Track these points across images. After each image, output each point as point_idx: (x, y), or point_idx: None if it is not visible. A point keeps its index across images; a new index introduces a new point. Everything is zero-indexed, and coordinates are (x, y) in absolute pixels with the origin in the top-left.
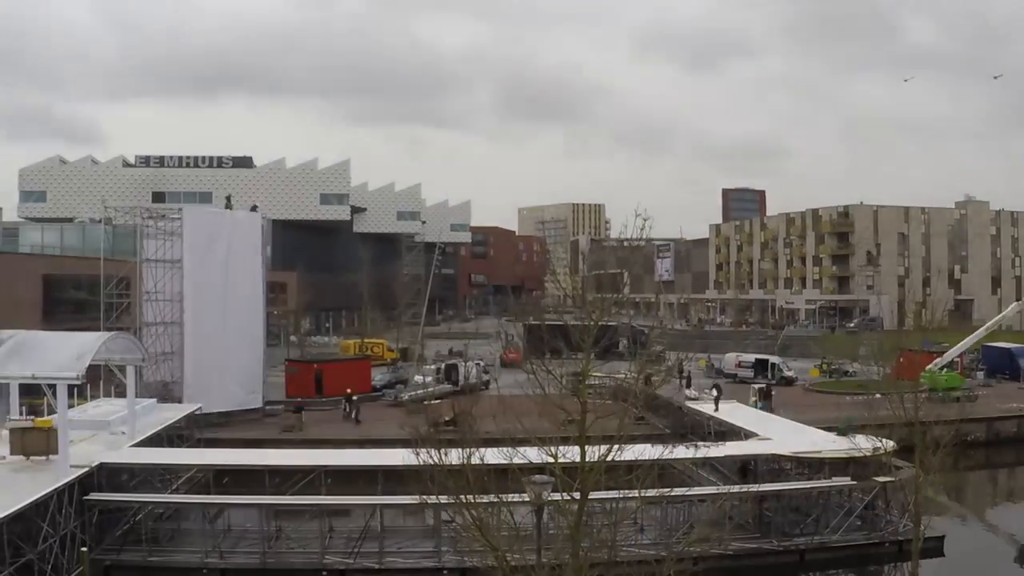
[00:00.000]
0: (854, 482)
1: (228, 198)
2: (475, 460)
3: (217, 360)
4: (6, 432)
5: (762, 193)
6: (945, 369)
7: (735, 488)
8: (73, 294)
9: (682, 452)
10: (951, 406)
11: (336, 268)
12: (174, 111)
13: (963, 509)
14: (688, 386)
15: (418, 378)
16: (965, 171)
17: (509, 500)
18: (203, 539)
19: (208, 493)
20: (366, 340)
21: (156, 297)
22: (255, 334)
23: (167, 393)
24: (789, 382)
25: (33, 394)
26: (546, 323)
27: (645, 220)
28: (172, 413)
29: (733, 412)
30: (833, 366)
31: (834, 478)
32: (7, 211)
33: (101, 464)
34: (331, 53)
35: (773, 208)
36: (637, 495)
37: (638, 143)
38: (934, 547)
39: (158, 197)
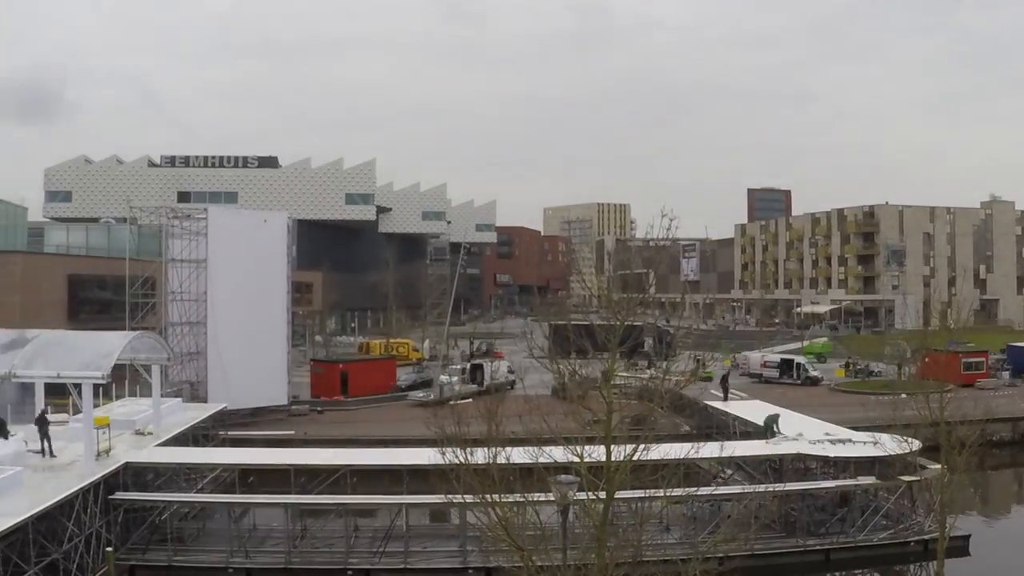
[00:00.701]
0: (880, 482)
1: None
2: (501, 460)
3: (242, 360)
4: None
5: (787, 193)
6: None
7: (760, 487)
8: (98, 294)
9: (707, 451)
10: (977, 406)
11: (361, 268)
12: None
13: (988, 508)
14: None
15: (443, 378)
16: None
17: (534, 500)
18: (228, 539)
19: (233, 492)
20: (391, 340)
21: (181, 297)
22: (280, 334)
23: (192, 392)
24: (815, 382)
25: (59, 394)
26: (571, 323)
27: (671, 220)
28: (197, 412)
29: (758, 411)
30: (858, 366)
31: (860, 478)
32: (32, 211)
33: (126, 463)
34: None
35: (799, 208)
36: (663, 495)
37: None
38: (960, 546)
39: (183, 197)
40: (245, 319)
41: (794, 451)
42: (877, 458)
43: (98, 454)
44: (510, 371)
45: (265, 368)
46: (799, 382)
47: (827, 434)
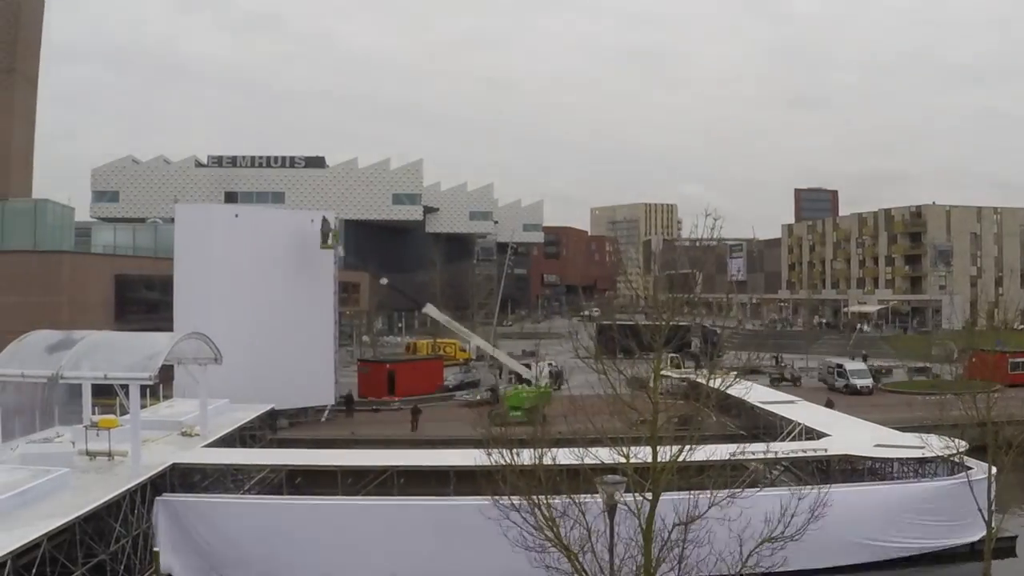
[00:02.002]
0: (926, 482)
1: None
2: (547, 460)
3: (289, 360)
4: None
5: (834, 193)
6: None
7: (807, 488)
8: (145, 294)
9: (753, 452)
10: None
11: (408, 268)
12: None
13: None
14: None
15: (494, 379)
16: None
17: (581, 500)
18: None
19: (280, 494)
20: (438, 340)
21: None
22: (327, 334)
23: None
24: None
25: (106, 394)
26: (617, 323)
27: (716, 220)
28: (244, 413)
29: (805, 412)
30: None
31: (906, 478)
32: (80, 211)
33: (173, 464)
34: None
35: (845, 208)
36: (709, 495)
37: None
38: (1006, 547)
39: (230, 197)
40: (292, 320)
41: (841, 452)
42: (923, 459)
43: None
44: (557, 371)
45: (312, 368)
46: (844, 390)
47: (873, 435)
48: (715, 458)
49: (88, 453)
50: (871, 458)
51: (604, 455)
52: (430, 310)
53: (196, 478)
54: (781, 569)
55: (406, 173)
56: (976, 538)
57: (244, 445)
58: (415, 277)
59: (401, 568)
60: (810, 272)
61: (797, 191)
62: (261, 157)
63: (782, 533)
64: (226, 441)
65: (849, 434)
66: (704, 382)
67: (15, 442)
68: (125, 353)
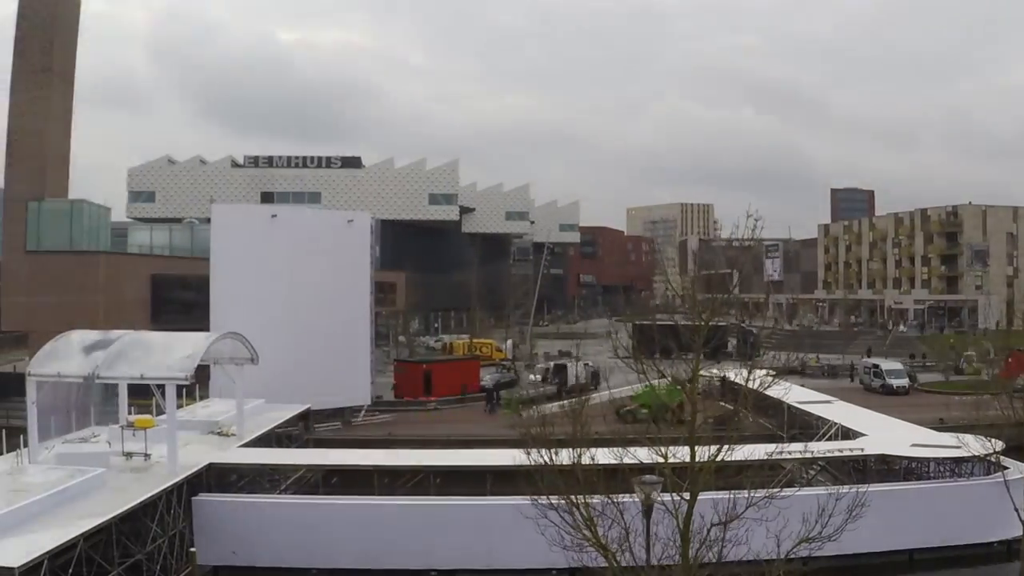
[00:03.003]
0: (963, 482)
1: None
2: (585, 460)
3: (325, 360)
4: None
5: (871, 193)
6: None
7: (844, 488)
8: (181, 294)
9: (791, 452)
10: None
11: (444, 268)
12: None
13: None
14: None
15: (532, 378)
16: None
17: (619, 500)
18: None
19: (317, 493)
20: (474, 340)
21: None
22: (363, 334)
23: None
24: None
25: (142, 395)
26: (655, 323)
27: (756, 220)
28: (281, 413)
29: (842, 411)
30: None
31: (943, 478)
32: (116, 211)
33: (210, 464)
34: None
35: (882, 208)
36: (747, 495)
37: None
38: None
39: (266, 197)
40: (328, 319)
41: (877, 451)
42: (960, 459)
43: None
44: (594, 372)
45: (348, 368)
46: (880, 390)
47: (910, 435)
48: (753, 458)
49: (125, 453)
50: (908, 458)
51: (642, 455)
52: None
53: (232, 478)
54: (819, 554)
55: (442, 173)
56: (1012, 537)
57: (280, 445)
58: (451, 277)
59: (438, 568)
60: (846, 272)
61: (833, 191)
62: (297, 157)
63: (819, 533)
64: (262, 441)
65: (886, 434)
66: (742, 382)
67: (51, 442)
68: (161, 353)
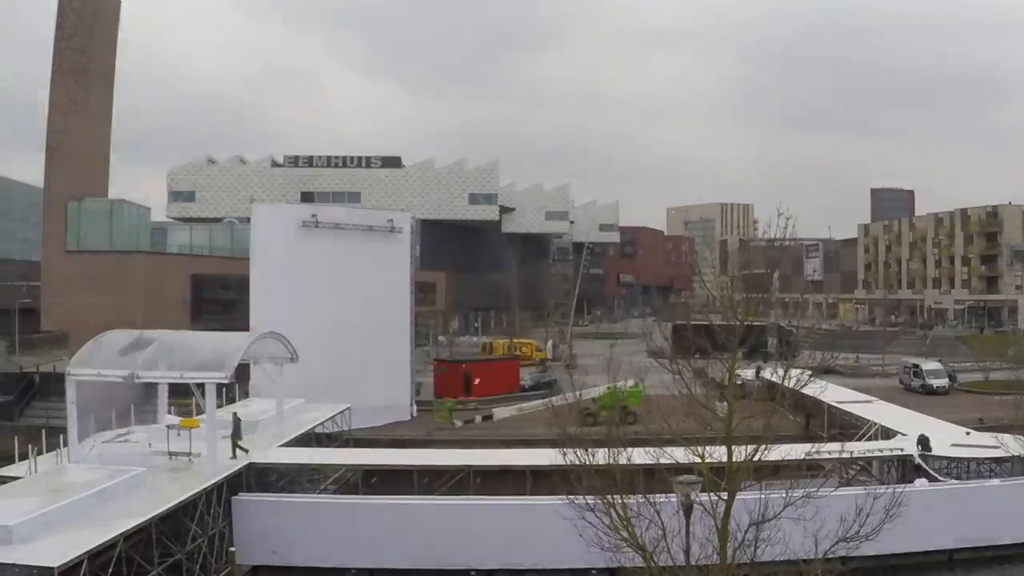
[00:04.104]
0: (1002, 481)
1: None
2: (622, 460)
3: (365, 360)
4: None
5: (911, 193)
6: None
7: (883, 488)
8: (221, 294)
9: (829, 451)
10: None
11: (484, 268)
12: None
13: None
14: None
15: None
16: None
17: (656, 500)
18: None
19: (356, 493)
20: (515, 340)
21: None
22: (404, 334)
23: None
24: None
25: (182, 394)
26: (693, 323)
27: (788, 219)
28: (321, 413)
29: (882, 411)
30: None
31: (982, 478)
32: (156, 211)
33: (249, 464)
34: None
35: (922, 207)
36: (784, 495)
37: None
38: None
39: (306, 197)
40: (368, 319)
41: (916, 451)
42: (1000, 458)
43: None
44: None
45: (388, 368)
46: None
47: (949, 434)
48: (790, 458)
49: (169, 453)
50: (947, 457)
51: (679, 455)
52: None
53: (272, 478)
54: (856, 554)
55: (482, 173)
56: None
57: (320, 444)
58: (491, 277)
59: (477, 568)
60: (886, 272)
61: (873, 191)
62: (337, 157)
63: (857, 533)
64: (302, 440)
65: (925, 434)
66: (780, 382)
67: (91, 441)
68: (201, 352)
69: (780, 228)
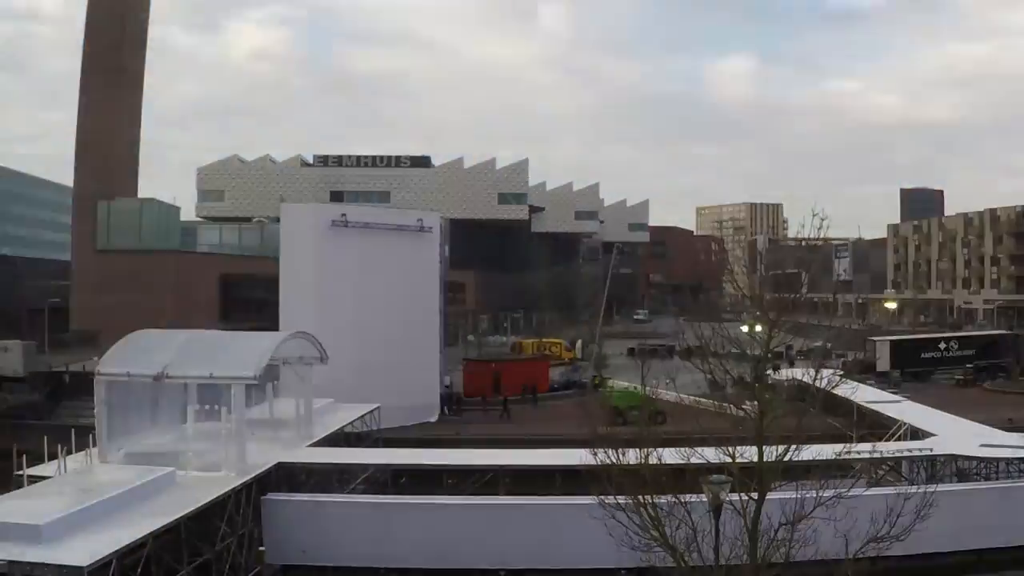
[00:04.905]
0: None
1: None
2: (652, 460)
3: (394, 359)
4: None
5: (940, 192)
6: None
7: (913, 488)
8: (251, 294)
9: (859, 452)
10: None
11: (514, 268)
12: None
13: None
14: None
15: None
16: None
17: (686, 500)
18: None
19: (385, 493)
20: (544, 340)
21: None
22: (433, 334)
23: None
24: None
25: (211, 394)
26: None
27: (822, 220)
28: (350, 413)
29: (912, 411)
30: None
31: (1013, 478)
32: (186, 210)
33: (279, 464)
34: None
35: (952, 208)
36: (815, 495)
37: None
38: None
39: (336, 196)
40: (398, 319)
41: (947, 452)
42: None
43: None
44: None
45: (418, 368)
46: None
47: (978, 435)
48: (821, 458)
49: (194, 452)
50: (977, 458)
51: (710, 454)
52: None
53: (301, 477)
54: (887, 554)
55: (512, 172)
56: None
57: (349, 444)
58: (520, 277)
59: (507, 567)
60: (916, 272)
61: (903, 191)
62: (367, 157)
63: (888, 533)
64: (331, 440)
65: (955, 434)
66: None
67: (120, 441)
68: (230, 352)
69: (814, 229)
